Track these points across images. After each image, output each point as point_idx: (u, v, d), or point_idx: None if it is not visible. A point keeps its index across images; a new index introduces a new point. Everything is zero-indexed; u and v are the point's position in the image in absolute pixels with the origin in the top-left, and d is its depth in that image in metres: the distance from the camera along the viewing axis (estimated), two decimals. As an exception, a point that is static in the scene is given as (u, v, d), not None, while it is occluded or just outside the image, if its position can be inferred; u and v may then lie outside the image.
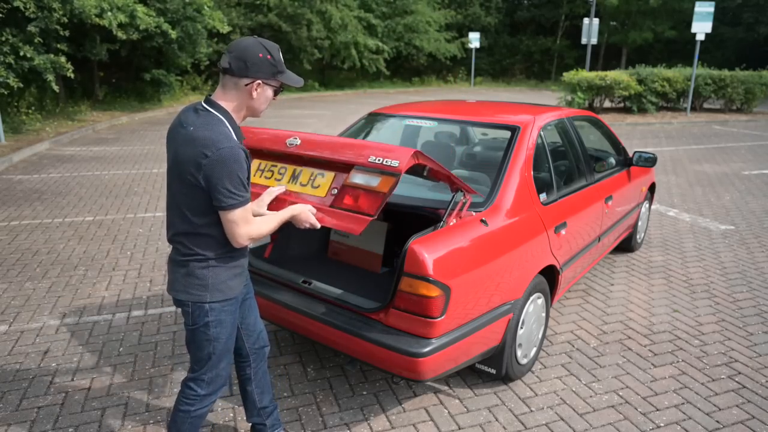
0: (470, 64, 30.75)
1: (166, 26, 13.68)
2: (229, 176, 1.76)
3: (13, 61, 9.96)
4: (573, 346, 3.39)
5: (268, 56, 1.85)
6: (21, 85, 10.21)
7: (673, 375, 3.08)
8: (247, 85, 1.85)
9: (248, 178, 1.86)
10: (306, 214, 2.07)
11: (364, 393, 2.88)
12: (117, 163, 8.73)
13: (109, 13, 11.76)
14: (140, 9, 12.75)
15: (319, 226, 2.09)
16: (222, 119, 1.83)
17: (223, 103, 1.87)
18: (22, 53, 10.06)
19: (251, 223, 1.87)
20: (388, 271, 3.26)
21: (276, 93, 1.95)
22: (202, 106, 1.87)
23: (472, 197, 2.68)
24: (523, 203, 2.90)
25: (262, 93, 1.89)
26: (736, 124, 15.45)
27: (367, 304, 2.53)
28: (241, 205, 1.81)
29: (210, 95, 1.90)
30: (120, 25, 12.38)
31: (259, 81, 1.85)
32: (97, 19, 11.54)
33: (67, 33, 11.11)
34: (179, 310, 3.36)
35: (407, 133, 3.92)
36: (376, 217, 2.07)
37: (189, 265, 1.91)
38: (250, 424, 2.42)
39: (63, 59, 10.76)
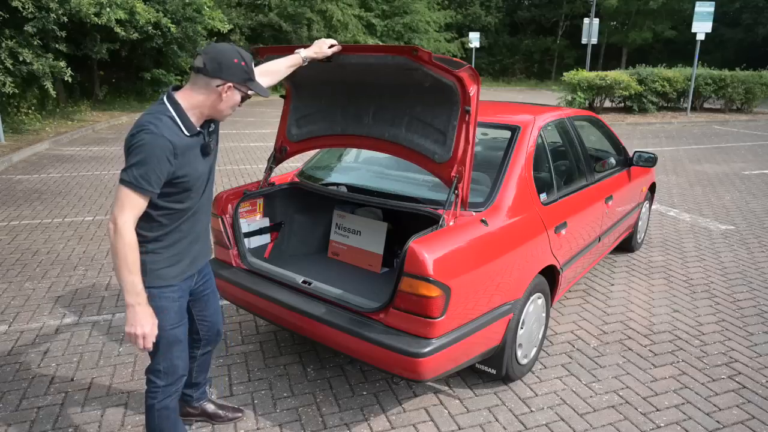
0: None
1: (165, 20, 13.63)
2: (136, 156, 1.78)
3: (11, 66, 9.94)
4: (573, 346, 3.38)
5: (242, 63, 1.90)
6: (17, 90, 10.18)
7: (674, 375, 3.08)
8: (218, 86, 1.88)
9: (169, 173, 1.83)
10: (138, 328, 1.84)
11: (364, 393, 2.87)
12: (117, 163, 8.73)
13: (108, 9, 11.72)
14: (139, 5, 12.73)
15: (131, 341, 1.88)
16: (168, 109, 1.87)
17: (182, 98, 1.90)
18: (21, 58, 10.02)
19: (129, 214, 1.79)
20: (388, 271, 3.26)
21: (243, 100, 1.99)
22: (161, 96, 1.92)
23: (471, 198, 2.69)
24: (523, 203, 2.90)
25: (231, 96, 1.93)
26: (736, 124, 15.45)
27: (367, 304, 2.53)
28: (132, 189, 1.78)
29: (173, 88, 1.94)
30: (119, 22, 12.35)
31: (230, 84, 1.89)
32: (95, 18, 11.51)
33: (64, 33, 11.07)
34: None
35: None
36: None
37: None
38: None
39: (62, 63, 10.72)
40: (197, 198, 2.01)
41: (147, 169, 1.78)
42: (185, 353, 2.11)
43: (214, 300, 2.35)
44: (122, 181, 1.79)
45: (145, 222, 1.89)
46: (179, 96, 1.90)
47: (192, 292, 2.19)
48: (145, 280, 1.89)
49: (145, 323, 1.84)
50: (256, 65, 2.09)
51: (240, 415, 2.65)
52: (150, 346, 1.89)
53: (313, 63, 2.51)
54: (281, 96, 3.28)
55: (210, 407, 2.61)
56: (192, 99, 1.90)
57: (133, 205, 1.80)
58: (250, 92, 1.98)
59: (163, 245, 1.95)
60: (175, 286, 2.00)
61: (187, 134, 1.89)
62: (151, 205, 1.87)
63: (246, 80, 1.93)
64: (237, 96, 1.95)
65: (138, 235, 1.85)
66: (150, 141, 1.77)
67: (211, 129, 2.01)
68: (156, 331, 1.90)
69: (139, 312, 1.83)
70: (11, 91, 9.88)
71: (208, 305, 2.33)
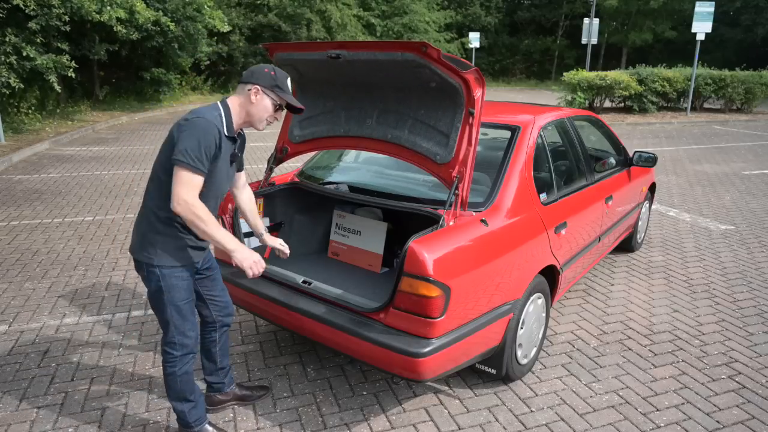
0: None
1: (165, 19, 13.62)
2: (190, 139, 2.02)
3: (14, 62, 9.95)
4: (573, 346, 3.38)
5: (272, 72, 2.20)
6: (22, 85, 10.19)
7: (674, 375, 3.08)
8: (249, 90, 2.18)
9: (213, 157, 2.09)
10: (248, 262, 2.18)
11: (364, 393, 2.87)
12: (117, 163, 8.73)
13: (108, 8, 11.75)
14: (139, 4, 12.74)
15: (252, 275, 2.21)
16: (218, 107, 2.18)
17: (230, 102, 2.21)
18: (24, 53, 10.05)
19: (193, 192, 2.03)
20: (388, 271, 3.26)
21: (276, 109, 2.23)
22: (219, 101, 2.24)
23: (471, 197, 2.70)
24: (523, 203, 2.90)
25: (261, 101, 2.19)
26: (736, 124, 15.45)
27: (367, 304, 2.53)
28: (190, 169, 2.02)
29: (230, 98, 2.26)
30: (119, 21, 12.35)
31: (258, 87, 2.17)
32: (96, 16, 11.53)
33: (68, 27, 11.11)
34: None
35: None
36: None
37: (145, 226, 2.18)
38: (207, 382, 2.69)
39: (65, 58, 10.75)
40: (216, 188, 2.24)
41: (201, 152, 2.03)
42: (196, 328, 2.33)
43: (219, 279, 2.53)
44: (180, 163, 2.00)
45: (164, 198, 2.11)
46: (229, 101, 2.21)
47: (199, 271, 2.39)
48: (156, 259, 2.15)
49: (250, 255, 2.19)
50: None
51: (265, 392, 2.82)
52: (262, 269, 2.22)
53: (321, 61, 2.67)
54: None
55: (240, 391, 2.77)
56: (234, 103, 2.21)
57: (193, 184, 2.04)
58: (281, 101, 2.22)
59: (174, 228, 2.16)
60: (183, 267, 2.21)
61: (227, 134, 2.17)
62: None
63: (273, 86, 2.19)
64: (267, 101, 2.19)
65: (159, 213, 2.13)
66: (204, 125, 2.05)
67: (239, 143, 2.30)
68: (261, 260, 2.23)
69: (243, 251, 2.18)
70: (17, 86, 9.89)
71: (215, 284, 2.50)
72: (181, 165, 2.00)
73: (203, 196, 2.13)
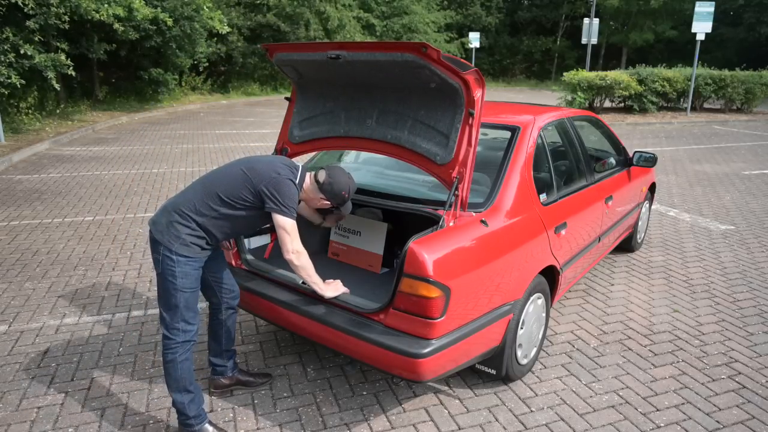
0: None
1: (163, 15, 13.60)
2: (289, 196, 2.38)
3: (13, 60, 9.95)
4: (573, 346, 3.38)
5: (347, 195, 2.54)
6: (23, 81, 10.18)
7: (673, 375, 3.08)
8: (322, 198, 2.53)
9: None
10: (339, 291, 2.58)
11: (364, 393, 2.88)
12: (117, 163, 8.73)
13: (106, 5, 11.76)
14: (137, 2, 12.73)
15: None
16: (297, 177, 2.47)
17: (305, 181, 2.53)
18: (22, 51, 10.05)
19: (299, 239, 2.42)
20: (388, 271, 3.26)
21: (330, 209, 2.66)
22: (299, 167, 2.54)
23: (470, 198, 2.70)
24: (523, 204, 2.90)
25: (323, 205, 2.57)
26: (736, 124, 15.45)
27: (367, 304, 2.53)
28: (294, 219, 2.40)
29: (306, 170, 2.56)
30: (118, 19, 12.35)
31: (330, 203, 2.56)
32: (96, 15, 11.54)
33: (66, 26, 11.12)
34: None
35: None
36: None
37: (177, 217, 2.35)
38: (211, 364, 2.80)
39: (63, 56, 10.75)
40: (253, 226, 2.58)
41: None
42: (198, 318, 2.44)
43: (223, 262, 2.66)
44: (290, 216, 2.35)
45: (208, 211, 2.35)
46: (305, 183, 2.52)
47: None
48: (176, 246, 2.30)
49: (335, 287, 2.56)
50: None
51: (268, 379, 2.93)
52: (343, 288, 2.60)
53: (320, 62, 2.72)
54: (286, 98, 3.28)
55: (243, 376, 2.88)
56: (305, 187, 2.53)
57: (297, 231, 2.39)
58: (334, 211, 2.65)
59: (203, 230, 2.37)
60: (196, 259, 2.37)
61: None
62: (237, 208, 2.37)
63: (340, 204, 2.57)
64: (326, 204, 2.56)
65: (197, 217, 2.34)
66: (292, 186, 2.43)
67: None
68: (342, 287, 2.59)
69: (329, 290, 2.54)
70: (18, 83, 9.89)
71: (221, 266, 2.63)
72: (291, 218, 2.35)
73: (242, 229, 2.52)
